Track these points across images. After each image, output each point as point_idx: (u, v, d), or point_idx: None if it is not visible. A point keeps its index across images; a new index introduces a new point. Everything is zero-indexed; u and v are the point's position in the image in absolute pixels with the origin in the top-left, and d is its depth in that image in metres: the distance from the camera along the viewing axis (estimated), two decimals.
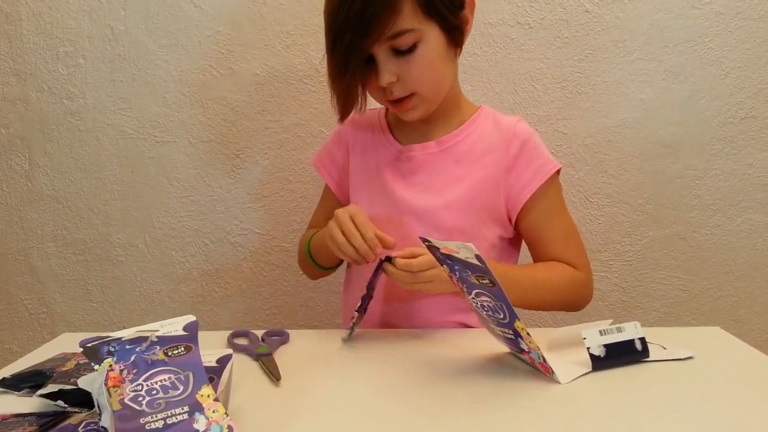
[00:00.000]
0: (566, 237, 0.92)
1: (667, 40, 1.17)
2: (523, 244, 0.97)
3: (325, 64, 1.20)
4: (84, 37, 1.24)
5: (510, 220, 0.93)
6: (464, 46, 0.97)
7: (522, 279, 0.87)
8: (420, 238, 0.69)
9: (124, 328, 1.36)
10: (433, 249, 0.68)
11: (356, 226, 0.82)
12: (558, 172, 0.92)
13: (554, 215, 0.92)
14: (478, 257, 0.61)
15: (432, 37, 0.85)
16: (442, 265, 0.70)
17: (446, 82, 0.91)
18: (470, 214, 0.90)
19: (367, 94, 0.92)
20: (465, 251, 0.63)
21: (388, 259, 0.80)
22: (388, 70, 0.84)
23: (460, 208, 0.90)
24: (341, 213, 0.85)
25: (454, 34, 0.88)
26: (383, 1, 0.80)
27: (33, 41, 1.25)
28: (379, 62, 0.85)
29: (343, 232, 0.83)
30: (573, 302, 0.93)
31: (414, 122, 0.95)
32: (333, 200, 1.05)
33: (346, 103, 0.90)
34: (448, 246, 0.65)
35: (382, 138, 0.98)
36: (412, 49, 0.84)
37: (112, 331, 0.62)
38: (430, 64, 0.86)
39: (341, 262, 1.00)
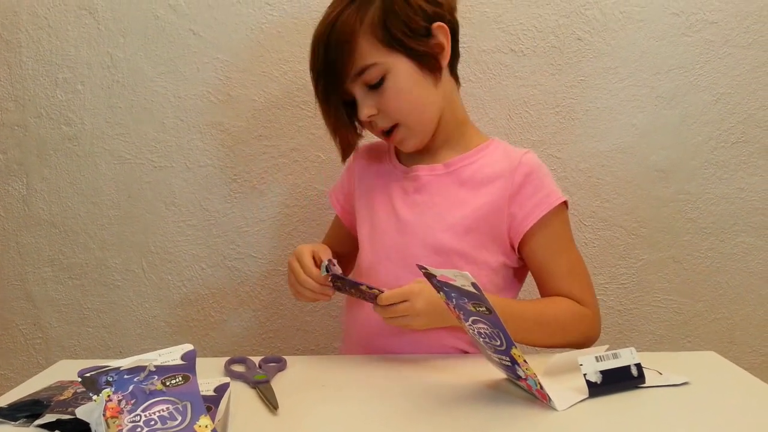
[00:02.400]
0: (571, 271, 0.91)
1: (659, 66, 1.19)
2: (529, 278, 0.97)
3: None
4: (83, 63, 1.25)
5: (513, 249, 0.93)
6: (459, 73, 1.00)
7: (525, 313, 0.87)
8: (417, 265, 0.70)
9: (120, 353, 1.36)
10: (429, 276, 0.69)
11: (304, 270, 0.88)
12: (565, 205, 0.92)
13: (559, 247, 0.92)
14: (474, 285, 0.62)
15: (400, 68, 0.88)
16: (438, 292, 0.71)
17: (430, 109, 0.93)
18: (471, 238, 0.90)
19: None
20: (461, 279, 0.63)
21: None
22: (366, 105, 0.89)
23: (462, 232, 0.90)
24: (291, 262, 0.92)
25: (426, 61, 0.89)
26: (340, 44, 0.86)
27: (32, 68, 1.26)
28: (356, 98, 0.89)
29: (297, 281, 0.89)
30: (578, 340, 0.90)
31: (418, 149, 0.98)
32: (338, 227, 1.10)
33: (341, 141, 0.96)
34: (444, 273, 0.65)
35: (389, 162, 1.01)
36: (382, 82, 0.88)
37: (108, 357, 0.62)
38: (401, 93, 0.89)
39: None
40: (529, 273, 0.97)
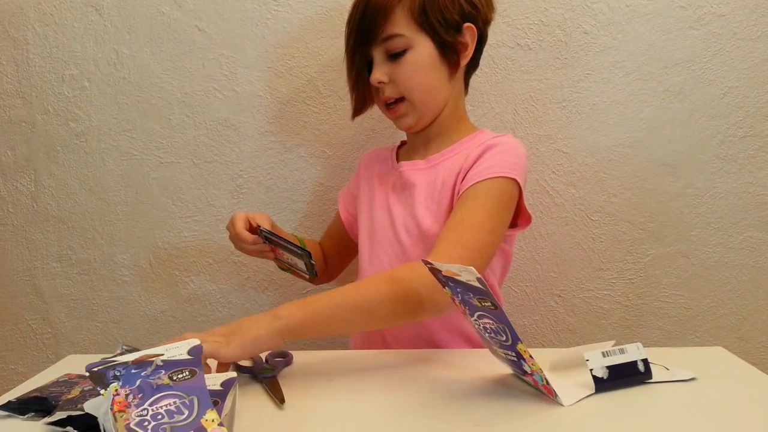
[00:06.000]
0: (460, 223, 0.85)
1: (666, 60, 1.18)
2: (521, 261, 0.98)
3: (328, 84, 1.25)
4: (89, 60, 1.26)
5: None
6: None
7: (344, 300, 0.79)
8: (422, 261, 0.70)
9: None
10: (435, 271, 0.69)
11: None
12: (514, 184, 0.88)
13: (469, 203, 0.86)
14: (479, 280, 0.62)
15: (422, 48, 0.93)
16: (444, 287, 0.71)
17: (436, 94, 0.96)
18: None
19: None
20: (466, 274, 0.63)
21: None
22: (380, 70, 0.94)
23: (441, 215, 0.93)
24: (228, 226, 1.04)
25: (448, 52, 0.94)
26: (378, 8, 0.91)
27: (39, 64, 1.27)
28: (374, 62, 0.95)
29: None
30: (420, 314, 0.82)
31: (415, 142, 1.03)
32: (336, 227, 1.15)
33: (356, 98, 1.01)
34: (450, 269, 0.65)
35: (389, 162, 1.06)
36: (402, 54, 0.93)
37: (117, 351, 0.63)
38: (418, 70, 0.93)
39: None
40: (516, 257, 1.01)
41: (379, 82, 0.94)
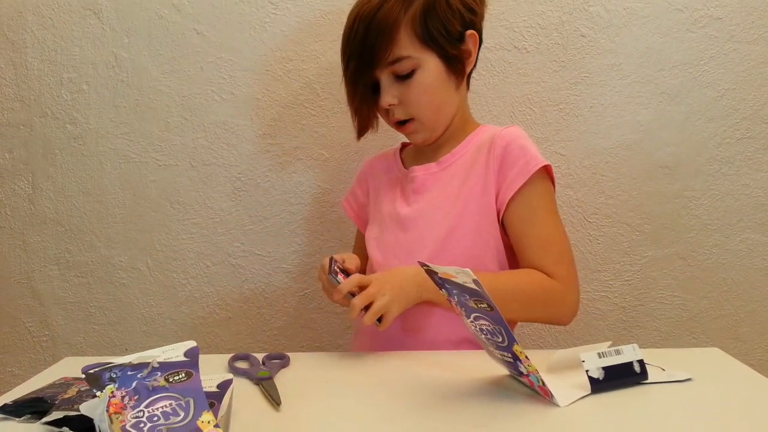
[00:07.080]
0: (545, 243, 0.90)
1: (663, 63, 1.19)
2: None
3: (326, 87, 1.25)
4: (88, 63, 1.26)
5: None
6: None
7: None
8: (419, 262, 0.70)
9: (126, 350, 1.37)
10: (431, 273, 0.69)
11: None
12: (547, 171, 0.92)
13: (537, 219, 0.90)
14: (475, 281, 0.62)
15: (430, 65, 0.91)
16: (440, 288, 0.71)
17: (446, 108, 0.96)
18: (467, 220, 0.92)
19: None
20: (463, 276, 0.63)
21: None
22: (389, 93, 0.92)
23: (456, 217, 0.92)
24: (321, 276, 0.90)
25: (454, 64, 0.93)
26: (381, 30, 0.88)
27: (37, 68, 1.27)
28: (381, 86, 0.92)
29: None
30: (546, 315, 0.91)
31: (423, 148, 1.02)
32: (360, 237, 1.10)
33: (360, 122, 0.99)
34: (446, 271, 0.66)
35: (395, 168, 1.05)
36: (410, 75, 0.91)
37: (114, 354, 0.63)
38: (427, 90, 0.92)
39: None
40: None
41: (390, 105, 0.93)
